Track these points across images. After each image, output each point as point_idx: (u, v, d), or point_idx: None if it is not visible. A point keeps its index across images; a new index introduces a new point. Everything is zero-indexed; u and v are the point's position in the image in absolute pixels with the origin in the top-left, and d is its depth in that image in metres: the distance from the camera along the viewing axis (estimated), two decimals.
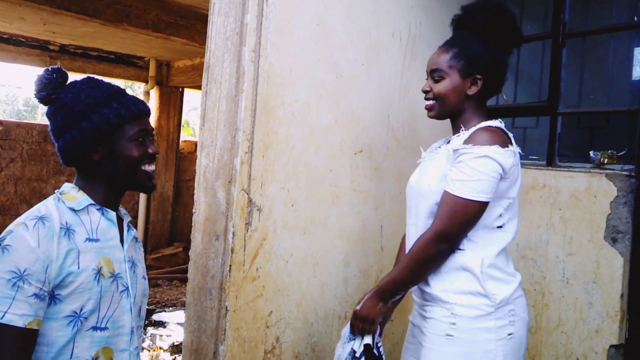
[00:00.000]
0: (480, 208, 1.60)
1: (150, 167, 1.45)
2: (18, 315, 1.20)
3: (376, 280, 2.38)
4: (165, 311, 5.66)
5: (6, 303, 1.19)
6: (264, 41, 1.96)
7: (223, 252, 1.93)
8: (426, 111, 1.81)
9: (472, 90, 1.72)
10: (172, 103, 8.00)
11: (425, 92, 1.78)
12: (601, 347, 2.30)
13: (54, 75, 1.40)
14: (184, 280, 7.25)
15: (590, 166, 2.45)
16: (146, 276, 1.55)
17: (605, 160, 2.41)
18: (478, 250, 1.67)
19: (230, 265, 1.91)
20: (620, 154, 2.43)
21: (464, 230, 1.63)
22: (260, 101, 1.96)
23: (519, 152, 1.73)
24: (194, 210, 2.09)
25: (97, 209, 1.40)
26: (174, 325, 5.07)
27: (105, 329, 1.34)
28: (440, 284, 1.68)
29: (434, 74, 1.75)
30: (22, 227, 1.25)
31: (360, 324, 1.71)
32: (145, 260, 7.81)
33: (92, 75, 1.48)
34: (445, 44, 1.77)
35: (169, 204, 8.11)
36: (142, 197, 7.80)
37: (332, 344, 2.20)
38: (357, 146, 2.30)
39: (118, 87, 1.45)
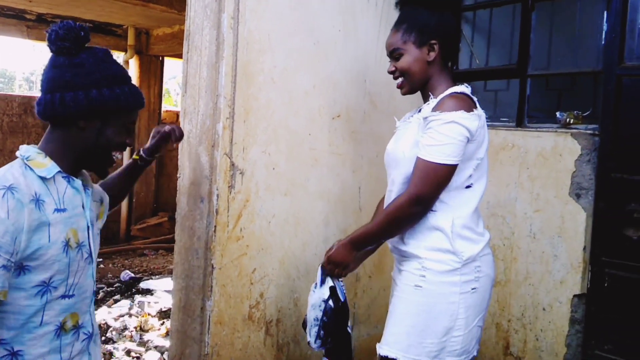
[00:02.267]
0: (450, 170, 1.71)
1: (118, 155, 1.49)
2: None
3: None
4: (152, 279, 5.76)
5: None
6: (242, 8, 2.02)
7: (208, 213, 2.03)
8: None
9: (431, 56, 1.81)
10: (152, 72, 7.95)
11: (391, 72, 1.87)
12: (565, 297, 2.46)
13: (82, 32, 1.38)
14: (170, 249, 7.36)
15: (556, 126, 2.56)
16: (100, 228, 1.58)
17: (571, 121, 2.53)
18: (449, 210, 1.78)
19: (215, 226, 2.00)
20: (585, 114, 2.55)
21: (437, 192, 1.73)
22: (240, 67, 2.02)
23: (485, 115, 1.83)
24: (178, 175, 2.17)
25: (64, 177, 1.39)
26: (161, 292, 5.18)
27: (72, 296, 1.38)
28: (414, 242, 1.80)
29: (394, 54, 1.84)
30: None
31: (334, 268, 1.86)
32: (130, 230, 7.88)
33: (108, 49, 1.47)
34: (394, 24, 1.86)
35: (152, 175, 8.14)
36: None
37: None
38: (335, 111, 2.39)
39: (128, 73, 1.47)
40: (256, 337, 2.17)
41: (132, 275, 5.77)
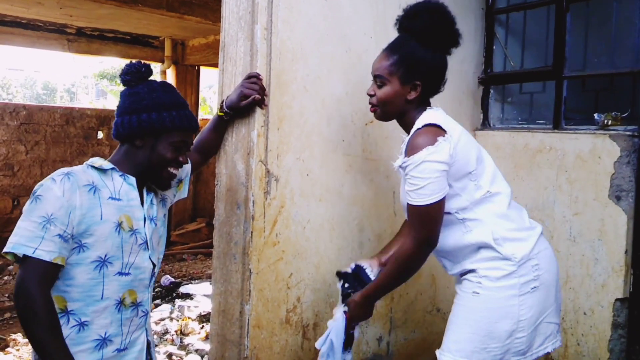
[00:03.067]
0: (439, 205, 1.74)
1: (175, 171, 1.71)
2: (45, 251, 1.44)
3: None
4: (191, 283, 5.88)
5: (37, 241, 1.44)
6: (275, 19, 2.06)
7: (244, 219, 2.07)
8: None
9: (412, 95, 1.83)
10: (188, 82, 8.13)
11: (370, 95, 1.90)
12: (607, 301, 2.41)
13: (143, 69, 1.67)
14: (208, 254, 7.48)
15: (594, 128, 2.52)
16: (165, 228, 1.83)
17: (609, 122, 2.48)
18: (484, 224, 1.81)
19: (251, 232, 2.05)
20: (624, 115, 2.50)
21: (437, 228, 1.77)
22: (273, 77, 2.07)
23: (462, 134, 1.82)
24: (215, 182, 2.23)
25: (120, 175, 1.64)
26: (201, 296, 5.28)
27: (128, 274, 1.61)
28: (466, 262, 1.84)
29: (377, 79, 1.86)
30: (50, 181, 1.51)
31: (357, 323, 1.95)
32: (170, 236, 8.06)
33: (169, 83, 1.77)
34: (387, 48, 1.87)
35: (190, 182, 8.26)
36: None
37: None
38: (368, 117, 2.40)
39: (184, 101, 1.72)
40: (294, 341, 2.20)
41: (172, 279, 5.90)
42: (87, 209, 1.52)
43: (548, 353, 1.87)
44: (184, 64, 8.01)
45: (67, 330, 1.52)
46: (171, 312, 4.79)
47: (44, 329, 1.42)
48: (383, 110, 1.88)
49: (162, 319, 4.61)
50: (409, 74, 1.81)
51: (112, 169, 1.63)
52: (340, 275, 2.03)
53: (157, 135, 1.65)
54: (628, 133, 2.37)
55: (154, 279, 1.73)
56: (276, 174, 2.11)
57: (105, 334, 1.57)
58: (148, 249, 1.66)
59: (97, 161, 1.63)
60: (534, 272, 1.78)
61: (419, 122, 1.80)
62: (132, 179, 1.65)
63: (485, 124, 2.97)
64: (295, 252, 2.20)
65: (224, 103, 2.05)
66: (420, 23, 1.80)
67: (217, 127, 2.12)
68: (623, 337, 2.39)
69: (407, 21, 1.84)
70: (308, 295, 2.24)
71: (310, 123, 2.21)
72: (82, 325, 1.54)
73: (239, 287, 2.10)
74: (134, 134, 1.64)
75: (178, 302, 5.11)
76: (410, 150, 1.76)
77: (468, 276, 1.84)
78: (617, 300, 2.38)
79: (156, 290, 5.51)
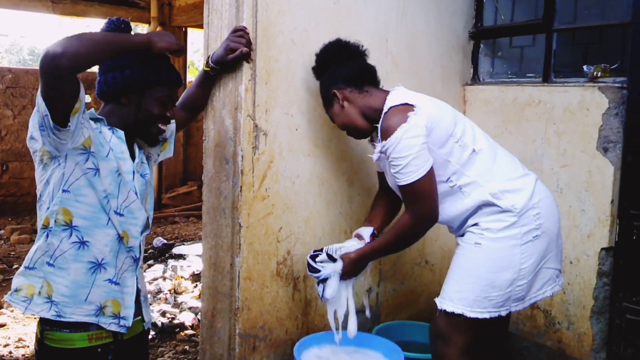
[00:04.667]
0: (428, 178, 1.79)
1: (163, 127, 1.71)
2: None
3: None
4: (184, 244, 5.92)
5: None
6: None
7: (233, 174, 2.08)
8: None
9: (344, 104, 1.98)
10: None
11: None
12: (593, 251, 2.45)
13: (122, 25, 1.63)
14: (200, 217, 7.49)
15: (584, 80, 2.52)
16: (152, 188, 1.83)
17: (599, 74, 2.48)
18: (479, 186, 1.85)
19: (240, 186, 2.06)
20: (613, 67, 2.49)
21: (434, 201, 1.82)
22: (260, 29, 2.04)
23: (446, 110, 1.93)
24: (203, 138, 2.22)
25: (109, 129, 1.63)
26: (193, 257, 5.32)
27: (122, 215, 1.63)
28: (470, 222, 1.89)
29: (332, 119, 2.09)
30: None
31: (347, 279, 2.02)
32: (161, 199, 8.06)
33: None
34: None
35: (180, 145, 8.27)
36: None
37: None
38: None
39: (165, 55, 1.68)
40: (285, 292, 2.24)
41: (165, 241, 5.93)
42: (96, 139, 1.56)
43: (547, 297, 1.93)
44: (171, 26, 7.85)
45: (68, 244, 1.56)
46: (164, 272, 4.83)
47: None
48: (352, 133, 2.05)
49: (155, 279, 4.65)
50: (326, 99, 2.04)
51: (101, 120, 1.62)
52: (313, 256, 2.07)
53: (141, 92, 1.63)
54: (617, 85, 2.37)
55: (147, 231, 1.73)
56: (264, 129, 2.11)
57: (101, 259, 1.60)
58: (138, 198, 1.67)
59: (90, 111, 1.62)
60: (535, 221, 1.83)
61: (385, 107, 1.87)
62: (121, 133, 1.64)
63: (475, 79, 2.96)
64: (285, 207, 2.21)
65: (210, 58, 2.03)
66: (318, 67, 2.10)
67: (203, 83, 2.09)
68: (607, 285, 2.44)
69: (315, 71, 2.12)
70: (298, 249, 2.27)
71: (298, 77, 2.19)
72: (82, 243, 1.57)
73: (229, 241, 2.11)
74: (119, 91, 1.62)
75: (171, 262, 5.15)
76: (385, 133, 1.81)
77: (471, 228, 1.88)
78: (602, 249, 2.42)
79: (149, 251, 5.54)
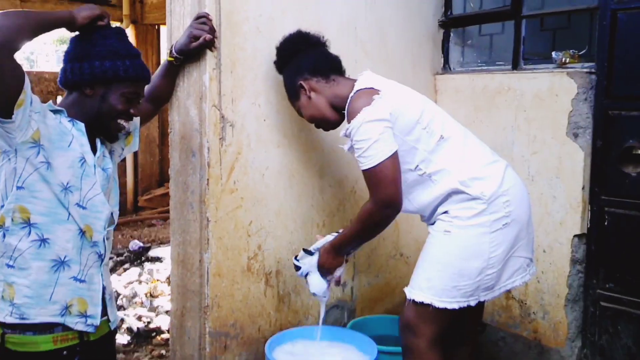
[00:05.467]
0: (390, 162, 1.74)
1: (125, 124, 1.66)
2: None
3: (351, 189, 2.50)
4: (160, 247, 5.82)
5: None
6: None
7: (200, 167, 2.02)
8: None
9: (310, 94, 1.94)
10: (149, 42, 7.86)
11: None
12: (565, 238, 2.45)
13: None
14: None
15: (552, 67, 2.51)
16: (117, 184, 1.79)
17: (567, 60, 2.47)
18: (448, 173, 1.82)
19: (207, 179, 2.00)
20: (581, 52, 2.50)
21: (395, 188, 1.77)
22: (224, 16, 1.99)
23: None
24: (169, 130, 2.16)
25: (69, 120, 1.58)
26: (170, 260, 5.23)
27: (85, 208, 1.57)
28: (440, 210, 1.85)
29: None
30: None
31: (326, 274, 1.98)
32: (137, 202, 7.92)
33: (122, 28, 1.71)
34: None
35: (156, 145, 8.14)
36: None
37: None
38: None
39: (137, 50, 1.67)
40: (256, 289, 2.19)
41: (141, 244, 5.82)
42: (58, 124, 1.53)
43: (516, 286, 1.91)
44: (144, 23, 7.73)
45: (27, 243, 1.51)
46: (140, 275, 4.73)
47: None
48: (322, 125, 2.02)
49: (131, 282, 4.56)
50: (291, 91, 2.01)
51: (61, 111, 1.57)
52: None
53: (108, 85, 1.58)
54: (585, 70, 2.37)
55: (112, 226, 1.69)
56: (231, 120, 2.05)
57: (64, 257, 1.55)
58: (100, 193, 1.62)
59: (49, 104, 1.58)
60: (505, 209, 1.80)
61: (355, 88, 1.85)
62: (81, 125, 1.59)
63: (446, 68, 2.94)
64: (255, 200, 2.16)
65: (173, 47, 1.97)
66: (279, 61, 2.07)
67: (167, 73, 2.03)
68: (581, 272, 2.44)
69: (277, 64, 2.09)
70: (269, 243, 2.22)
71: (265, 66, 2.14)
72: (43, 241, 1.52)
73: (197, 237, 2.06)
74: (85, 82, 1.58)
75: (147, 265, 5.05)
76: (349, 116, 1.79)
77: (441, 216, 1.85)
78: (575, 236, 2.42)
79: (124, 255, 5.44)
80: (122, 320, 3.69)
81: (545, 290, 2.54)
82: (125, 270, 4.94)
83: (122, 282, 4.54)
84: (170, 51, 1.98)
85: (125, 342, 3.44)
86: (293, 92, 2.00)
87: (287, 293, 2.29)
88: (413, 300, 1.81)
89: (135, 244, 5.79)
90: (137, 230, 6.83)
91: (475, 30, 2.96)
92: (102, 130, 1.65)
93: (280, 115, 2.21)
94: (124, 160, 7.76)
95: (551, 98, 2.44)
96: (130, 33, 7.70)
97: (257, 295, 2.20)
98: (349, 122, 1.80)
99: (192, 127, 2.04)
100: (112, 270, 4.90)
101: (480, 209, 1.77)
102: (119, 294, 4.20)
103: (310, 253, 1.99)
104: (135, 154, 7.92)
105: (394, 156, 1.75)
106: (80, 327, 1.58)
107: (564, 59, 2.47)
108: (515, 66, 2.65)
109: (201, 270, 2.05)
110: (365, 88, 1.82)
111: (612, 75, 2.28)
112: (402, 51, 2.72)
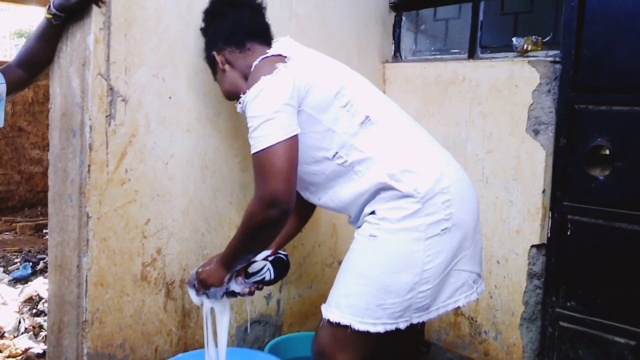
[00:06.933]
0: (283, 149, 1.37)
1: None
2: None
3: None
4: None
5: None
6: None
7: (80, 150, 1.63)
8: None
9: (224, 67, 1.62)
10: None
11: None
12: (522, 248, 2.16)
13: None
14: None
15: (513, 55, 2.23)
16: None
17: (529, 47, 2.19)
18: (374, 163, 1.47)
19: (89, 165, 1.61)
20: (545, 40, 2.22)
21: (284, 181, 1.37)
22: None
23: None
24: (49, 106, 1.76)
25: None
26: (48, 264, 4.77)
27: None
28: (367, 209, 1.49)
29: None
30: None
31: (200, 286, 1.61)
32: None
33: None
34: None
35: None
36: None
37: None
38: None
39: None
40: (153, 301, 1.80)
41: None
42: None
43: (458, 307, 1.56)
44: None
45: None
46: None
47: None
48: (227, 94, 1.68)
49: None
50: (210, 63, 1.70)
51: None
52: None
53: None
54: (549, 59, 2.09)
55: None
56: (123, 93, 1.67)
57: None
58: None
59: None
60: (444, 210, 1.43)
61: (260, 57, 1.52)
62: None
63: (397, 56, 2.62)
64: (154, 193, 1.77)
65: (52, 2, 1.59)
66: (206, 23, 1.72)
67: (45, 35, 1.66)
68: (539, 287, 2.15)
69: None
70: (173, 246, 1.84)
71: (172, 31, 1.77)
72: None
73: (75, 236, 1.66)
74: None
75: None
76: (247, 88, 1.45)
77: (368, 218, 1.48)
78: (532, 246, 2.13)
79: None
80: (41, 327, 3.23)
81: (498, 307, 2.23)
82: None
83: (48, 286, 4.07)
84: (49, 7, 1.60)
85: None
86: (211, 66, 1.70)
87: (194, 306, 1.90)
88: (328, 320, 1.45)
89: None
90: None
91: (430, 14, 2.66)
92: None
93: (192, 92, 1.84)
94: None
95: (510, 89, 2.14)
96: None
97: (154, 310, 1.81)
98: (244, 94, 1.45)
99: (74, 100, 1.65)
100: (42, 272, 4.40)
101: (413, 209, 1.41)
102: (41, 298, 3.71)
103: None
104: None
105: (290, 142, 1.38)
106: None
107: (525, 46, 2.19)
108: (471, 54, 2.35)
109: (79, 278, 1.65)
110: (272, 55, 1.48)
111: (579, 65, 2.01)
112: (347, 32, 2.38)
